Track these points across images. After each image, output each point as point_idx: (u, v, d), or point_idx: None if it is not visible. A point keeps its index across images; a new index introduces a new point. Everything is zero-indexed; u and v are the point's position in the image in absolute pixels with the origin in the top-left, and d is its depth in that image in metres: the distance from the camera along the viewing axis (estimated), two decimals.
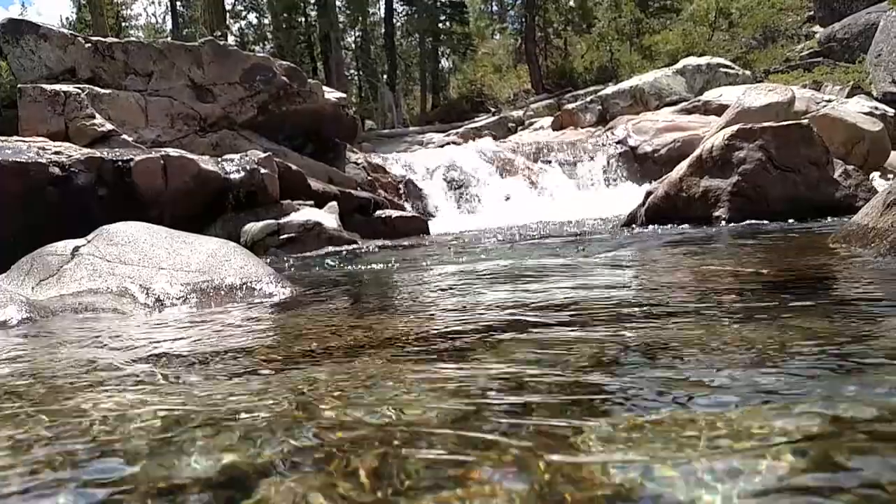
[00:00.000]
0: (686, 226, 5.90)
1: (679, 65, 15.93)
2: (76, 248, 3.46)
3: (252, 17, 30.95)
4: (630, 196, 8.38)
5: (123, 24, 28.40)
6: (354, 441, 1.05)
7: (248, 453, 1.02)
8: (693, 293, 2.45)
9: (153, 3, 31.66)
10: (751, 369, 1.30)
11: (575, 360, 1.49)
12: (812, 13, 19.60)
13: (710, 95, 13.40)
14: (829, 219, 5.38)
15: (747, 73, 15.97)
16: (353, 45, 31.50)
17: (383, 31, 29.84)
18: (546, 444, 0.99)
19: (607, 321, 1.94)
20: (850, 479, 0.82)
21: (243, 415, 1.22)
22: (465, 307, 2.50)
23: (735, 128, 6.31)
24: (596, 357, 1.50)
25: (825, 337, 1.54)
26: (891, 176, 8.19)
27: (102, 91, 9.29)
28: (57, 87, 8.83)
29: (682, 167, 6.51)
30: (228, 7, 26.46)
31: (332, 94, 11.63)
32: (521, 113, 20.88)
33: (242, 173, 7.34)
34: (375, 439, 1.05)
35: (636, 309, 2.13)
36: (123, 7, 29.31)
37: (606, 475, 0.88)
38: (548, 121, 17.51)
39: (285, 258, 5.97)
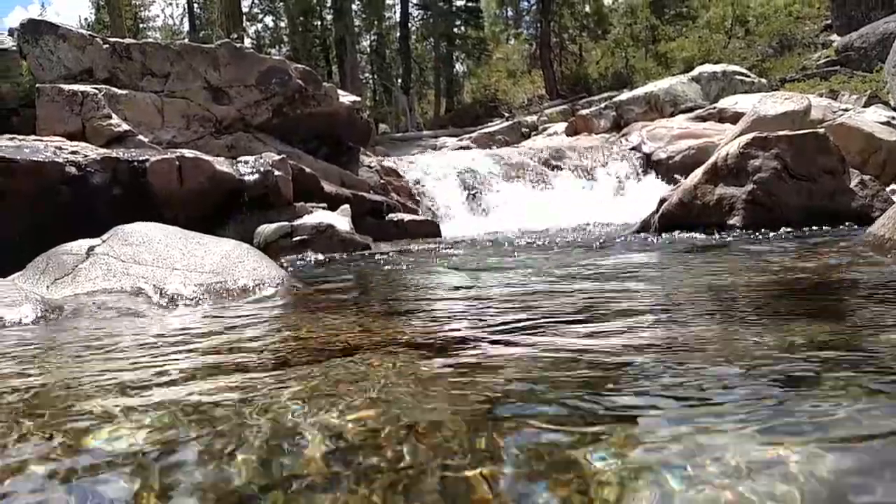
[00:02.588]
0: (700, 233, 5.86)
1: (694, 72, 15.86)
2: (91, 248, 3.48)
3: (268, 20, 31.13)
4: (644, 202, 8.34)
5: (141, 25, 28.64)
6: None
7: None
8: (715, 301, 2.44)
9: (170, 4, 31.91)
10: None
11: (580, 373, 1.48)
12: (829, 22, 19.43)
13: (726, 103, 13.31)
14: (845, 228, 5.34)
15: (763, 81, 15.87)
16: (369, 49, 31.60)
17: (398, 35, 29.92)
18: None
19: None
20: None
21: (232, 410, 1.22)
22: (473, 310, 2.50)
23: (750, 136, 6.27)
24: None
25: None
26: None
27: (119, 91, 9.36)
28: (75, 87, 8.90)
29: (696, 174, 6.47)
30: (245, 10, 26.62)
31: (346, 98, 11.65)
32: (534, 118, 20.84)
33: (257, 175, 7.36)
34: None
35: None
36: (141, 9, 29.55)
37: None
38: (562, 126, 17.47)
39: (298, 260, 5.99)
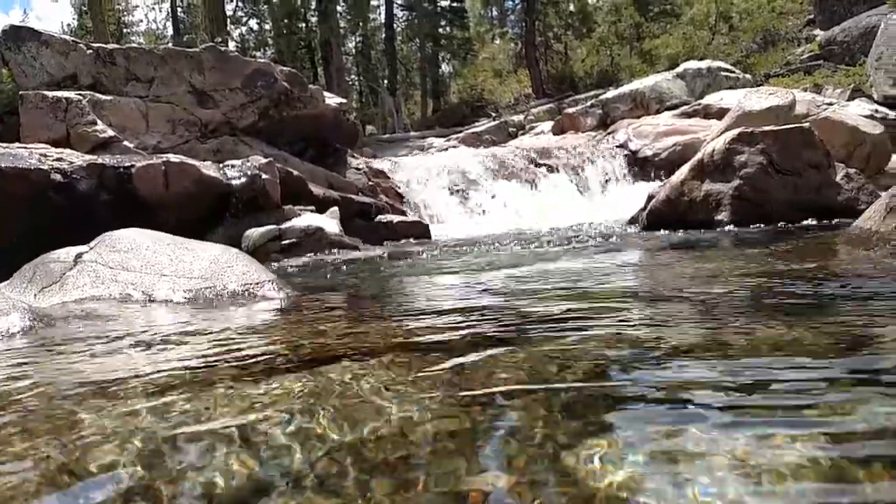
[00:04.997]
0: (688, 230, 5.89)
1: (679, 69, 15.91)
2: (79, 255, 3.46)
3: (253, 23, 30.93)
4: (632, 200, 8.38)
5: (124, 30, 28.46)
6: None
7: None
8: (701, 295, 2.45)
9: (154, 9, 31.66)
10: None
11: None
12: (812, 17, 19.56)
13: (711, 99, 13.37)
14: (831, 222, 5.38)
15: (748, 76, 15.95)
16: (354, 51, 31.53)
17: (384, 36, 29.87)
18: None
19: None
20: None
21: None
22: (462, 312, 2.50)
23: (736, 131, 6.30)
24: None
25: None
26: None
27: (104, 97, 9.30)
28: (58, 93, 8.83)
29: (683, 171, 6.50)
30: (229, 13, 26.49)
31: (332, 100, 11.63)
32: (521, 117, 20.84)
33: (244, 179, 7.34)
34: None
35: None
36: (124, 14, 29.38)
37: None
38: (548, 125, 17.49)
39: (287, 263, 5.97)
